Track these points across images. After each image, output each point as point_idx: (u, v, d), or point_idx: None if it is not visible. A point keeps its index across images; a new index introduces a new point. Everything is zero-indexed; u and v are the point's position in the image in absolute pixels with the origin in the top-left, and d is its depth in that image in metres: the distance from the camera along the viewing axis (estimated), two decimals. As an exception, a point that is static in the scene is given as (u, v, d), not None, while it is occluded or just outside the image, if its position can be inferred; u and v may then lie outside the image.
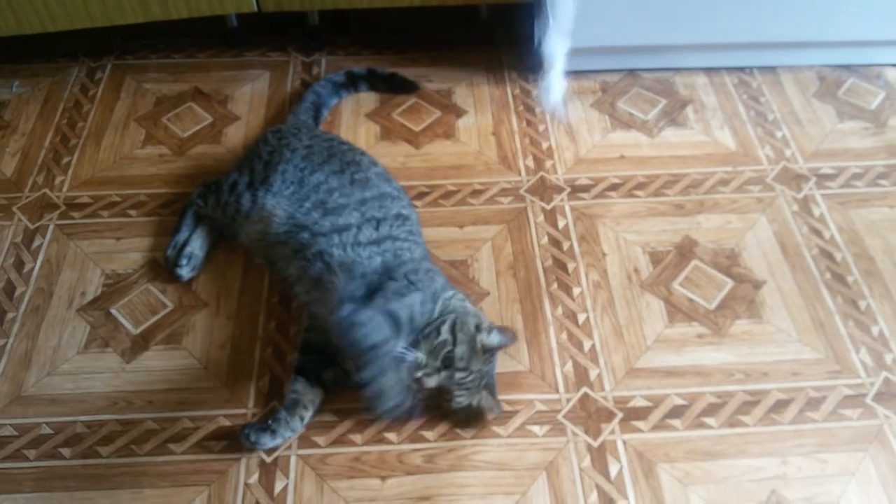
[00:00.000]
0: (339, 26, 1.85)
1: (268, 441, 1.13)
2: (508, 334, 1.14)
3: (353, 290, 1.13)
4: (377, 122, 1.65)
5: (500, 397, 1.20)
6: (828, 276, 1.37)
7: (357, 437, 1.17)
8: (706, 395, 1.22)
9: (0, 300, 1.33)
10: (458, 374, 1.09)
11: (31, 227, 1.45)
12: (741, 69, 1.76)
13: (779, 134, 1.62)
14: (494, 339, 1.13)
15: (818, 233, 1.43)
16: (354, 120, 1.65)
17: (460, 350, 1.09)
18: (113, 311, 1.32)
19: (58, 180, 1.53)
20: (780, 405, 1.20)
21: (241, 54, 1.81)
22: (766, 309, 1.32)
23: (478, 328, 1.12)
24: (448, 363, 1.08)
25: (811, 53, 1.75)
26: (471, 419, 1.17)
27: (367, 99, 1.70)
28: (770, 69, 1.76)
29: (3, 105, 1.68)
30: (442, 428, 1.18)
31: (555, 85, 1.50)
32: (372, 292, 1.13)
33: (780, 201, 1.49)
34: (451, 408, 1.14)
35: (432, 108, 1.68)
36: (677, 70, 1.75)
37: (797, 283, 1.36)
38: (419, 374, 1.07)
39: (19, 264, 1.39)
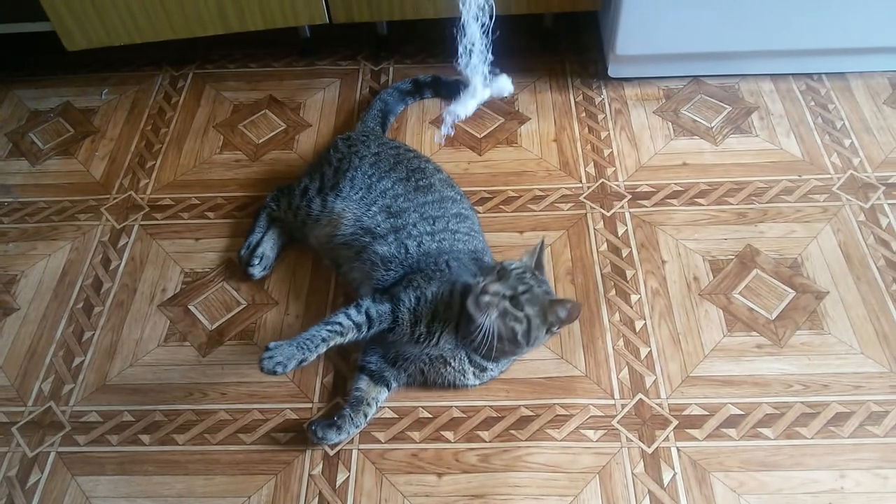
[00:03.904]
0: (407, 35, 1.90)
1: (333, 436, 1.18)
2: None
3: (382, 279, 1.23)
4: (441, 128, 1.69)
5: (555, 401, 1.23)
6: (894, 287, 1.34)
7: (415, 434, 1.21)
8: (763, 405, 1.21)
9: (88, 294, 1.43)
10: (513, 266, 1.14)
11: (118, 226, 1.54)
12: (809, 75, 1.73)
13: (847, 142, 1.59)
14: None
15: (885, 244, 1.41)
16: (419, 127, 1.70)
17: (507, 263, 1.15)
18: (191, 307, 1.40)
19: (142, 183, 1.63)
20: (840, 418, 1.19)
21: (314, 63, 1.88)
22: (829, 320, 1.31)
23: None
24: (502, 272, 1.13)
25: (883, 59, 1.70)
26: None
27: (432, 106, 1.75)
28: (839, 75, 1.72)
29: (93, 111, 1.79)
30: (497, 429, 1.21)
31: (467, 104, 1.63)
32: (406, 276, 1.22)
33: (845, 211, 1.47)
34: (524, 323, 1.12)
35: (495, 114, 1.71)
36: (743, 76, 1.74)
37: (861, 295, 1.34)
38: (482, 283, 1.11)
39: (106, 261, 1.49)
